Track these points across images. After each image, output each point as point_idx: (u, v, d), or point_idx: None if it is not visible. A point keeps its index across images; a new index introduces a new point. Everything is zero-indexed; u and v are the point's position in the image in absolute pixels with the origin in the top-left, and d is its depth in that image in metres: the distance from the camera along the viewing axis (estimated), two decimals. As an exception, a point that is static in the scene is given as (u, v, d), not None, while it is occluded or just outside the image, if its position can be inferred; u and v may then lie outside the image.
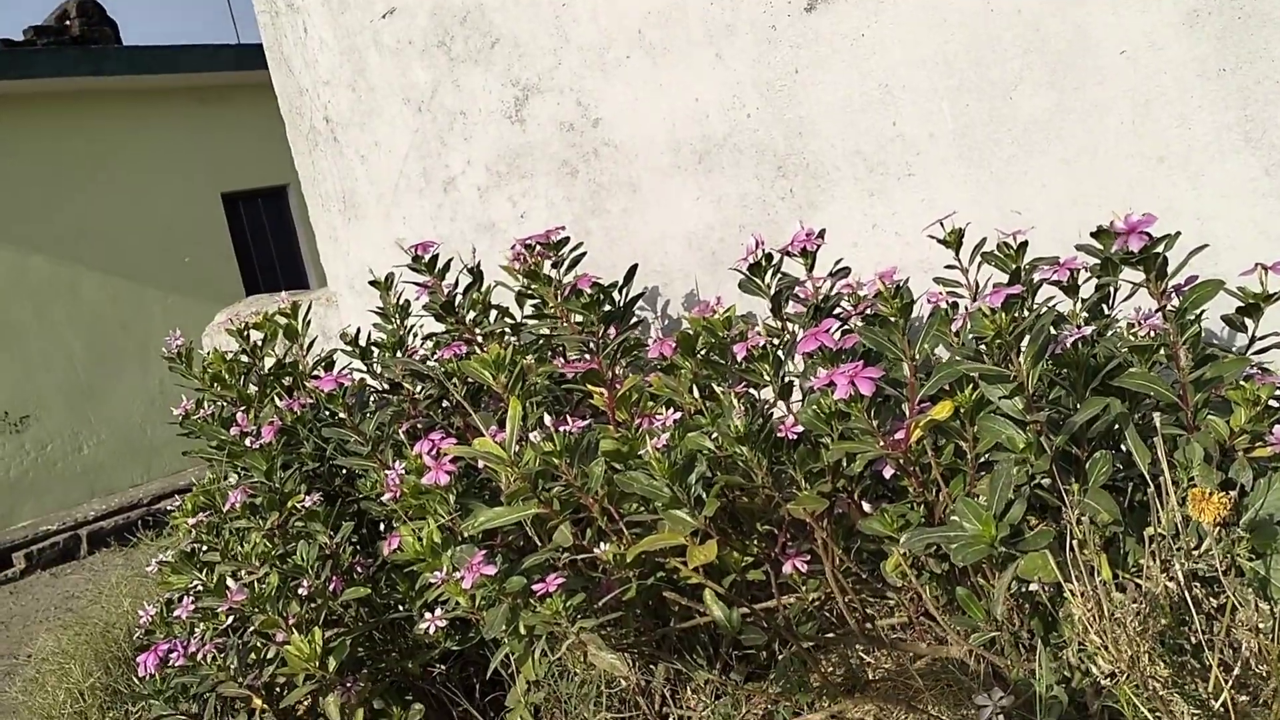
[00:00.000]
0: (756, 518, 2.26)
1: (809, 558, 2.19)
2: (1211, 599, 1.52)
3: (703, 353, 2.35)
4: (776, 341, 2.21)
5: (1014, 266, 2.08)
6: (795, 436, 2.03)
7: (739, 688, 2.23)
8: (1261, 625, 1.41)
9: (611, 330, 2.47)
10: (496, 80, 3.37)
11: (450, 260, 2.97)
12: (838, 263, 2.50)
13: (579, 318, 2.49)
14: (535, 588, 1.99)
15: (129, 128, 9.10)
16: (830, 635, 2.28)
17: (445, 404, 2.82)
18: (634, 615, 2.26)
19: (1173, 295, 1.83)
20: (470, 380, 2.42)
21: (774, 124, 2.92)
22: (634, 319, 2.57)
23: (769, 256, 2.35)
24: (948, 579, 2.09)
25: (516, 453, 2.02)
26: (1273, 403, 1.91)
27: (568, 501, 2.09)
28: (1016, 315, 1.74)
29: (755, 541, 2.28)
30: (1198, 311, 1.80)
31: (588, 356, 2.60)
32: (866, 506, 2.12)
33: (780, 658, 2.21)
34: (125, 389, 8.88)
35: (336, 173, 3.97)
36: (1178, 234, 1.80)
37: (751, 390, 2.29)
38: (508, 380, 2.17)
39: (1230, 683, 1.46)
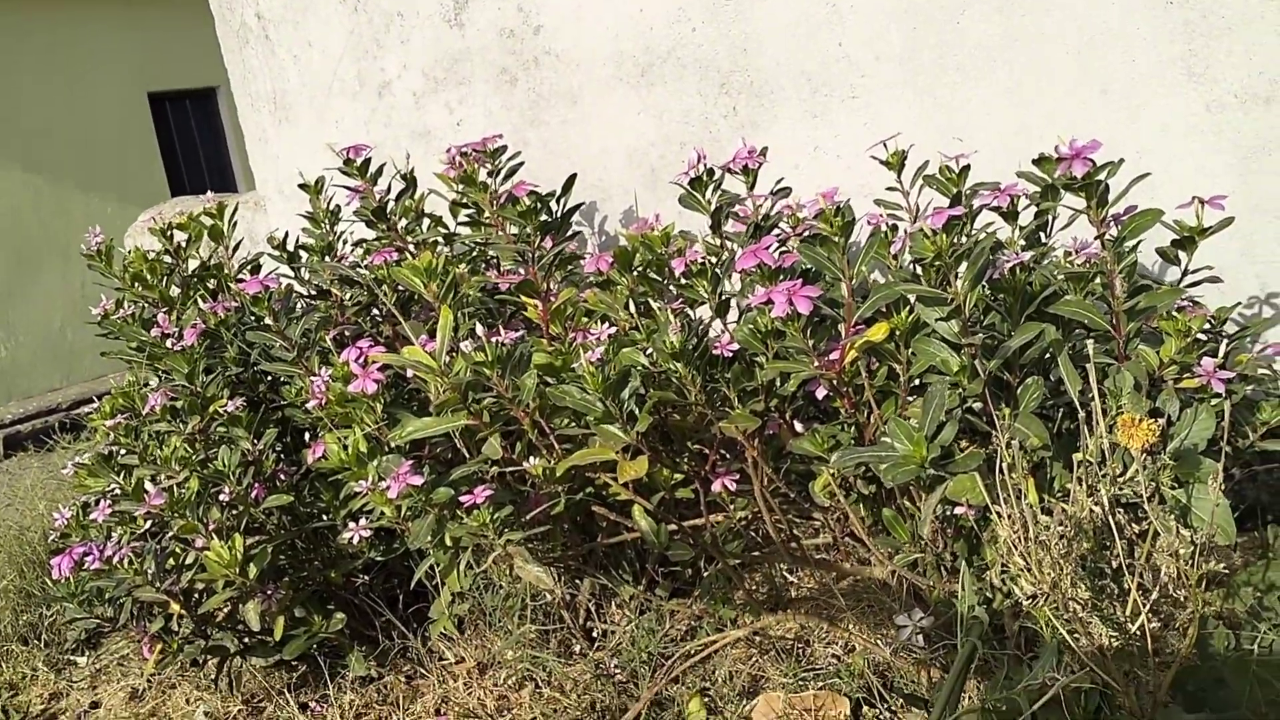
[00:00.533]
0: (688, 436, 2.25)
1: (738, 477, 2.19)
2: (1134, 525, 1.54)
3: (640, 269, 2.32)
4: (715, 260, 2.19)
5: (955, 190, 2.07)
6: (730, 355, 2.01)
7: (664, 603, 2.24)
8: (1181, 551, 1.43)
9: (548, 242, 2.42)
10: (436, -19, 3.26)
11: (383, 166, 2.89)
12: (778, 183, 2.47)
13: (514, 228, 2.44)
14: (463, 500, 1.97)
15: (51, 24, 8.73)
16: (756, 554, 2.29)
17: (374, 312, 2.76)
18: (562, 530, 2.25)
19: (1111, 224, 1.83)
20: (401, 288, 2.37)
21: (719, 40, 2.86)
22: (571, 231, 2.52)
23: (710, 172, 2.31)
24: (874, 501, 2.10)
25: (447, 363, 1.98)
26: (1201, 336, 1.93)
27: (498, 414, 2.05)
28: (956, 239, 1.73)
29: (685, 460, 2.27)
30: (1135, 240, 1.80)
31: (522, 270, 2.55)
32: (799, 427, 2.12)
33: (706, 575, 2.22)
34: (45, 291, 8.62)
35: (267, 72, 3.84)
36: (1121, 161, 1.79)
37: (688, 309, 2.27)
38: (439, 289, 2.12)
39: (1149, 606, 1.48)
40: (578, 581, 2.34)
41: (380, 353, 2.15)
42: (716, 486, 2.18)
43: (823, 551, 2.32)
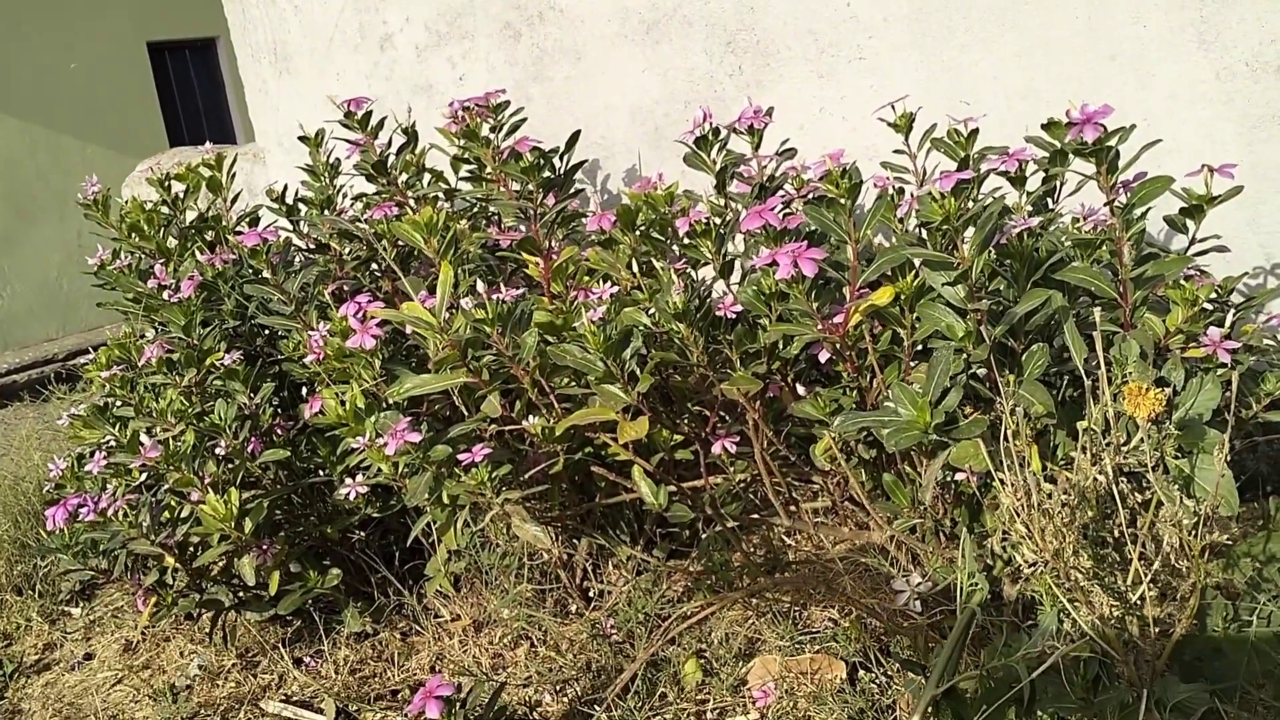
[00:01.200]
0: (688, 397, 2.23)
1: (738, 439, 2.17)
2: (1137, 494, 1.53)
3: (643, 228, 2.29)
4: (719, 220, 2.16)
5: (963, 154, 2.04)
6: (734, 316, 1.99)
7: (661, 564, 2.24)
8: (1184, 521, 1.42)
9: (550, 199, 2.39)
10: (440, -68, 3.21)
11: (384, 120, 2.85)
12: (784, 143, 2.45)
13: (516, 185, 2.41)
14: (461, 457, 1.95)
15: (50, -32, 8.62)
16: (754, 517, 2.28)
17: (373, 267, 2.74)
18: (560, 489, 2.24)
19: (1121, 191, 1.81)
20: (401, 243, 2.34)
21: (726, -3, 2.83)
22: (574, 188, 2.50)
23: (716, 131, 2.29)
24: (874, 466, 2.09)
25: (447, 319, 1.96)
26: (1207, 305, 1.92)
27: (498, 372, 2.04)
28: (964, 203, 1.71)
29: (685, 421, 2.26)
30: (1144, 208, 1.78)
31: (523, 228, 2.53)
32: (800, 390, 2.10)
33: (704, 536, 2.22)
34: (41, 240, 8.56)
35: (268, 22, 3.79)
36: (1132, 127, 1.76)
37: (690, 269, 2.25)
38: (440, 244, 2.10)
39: (1150, 575, 1.48)
40: (575, 541, 2.33)
41: (379, 308, 2.13)
42: (716, 448, 2.17)
43: (821, 515, 2.31)
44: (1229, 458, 1.49)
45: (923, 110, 2.32)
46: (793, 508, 2.23)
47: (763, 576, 2.22)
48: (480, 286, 1.95)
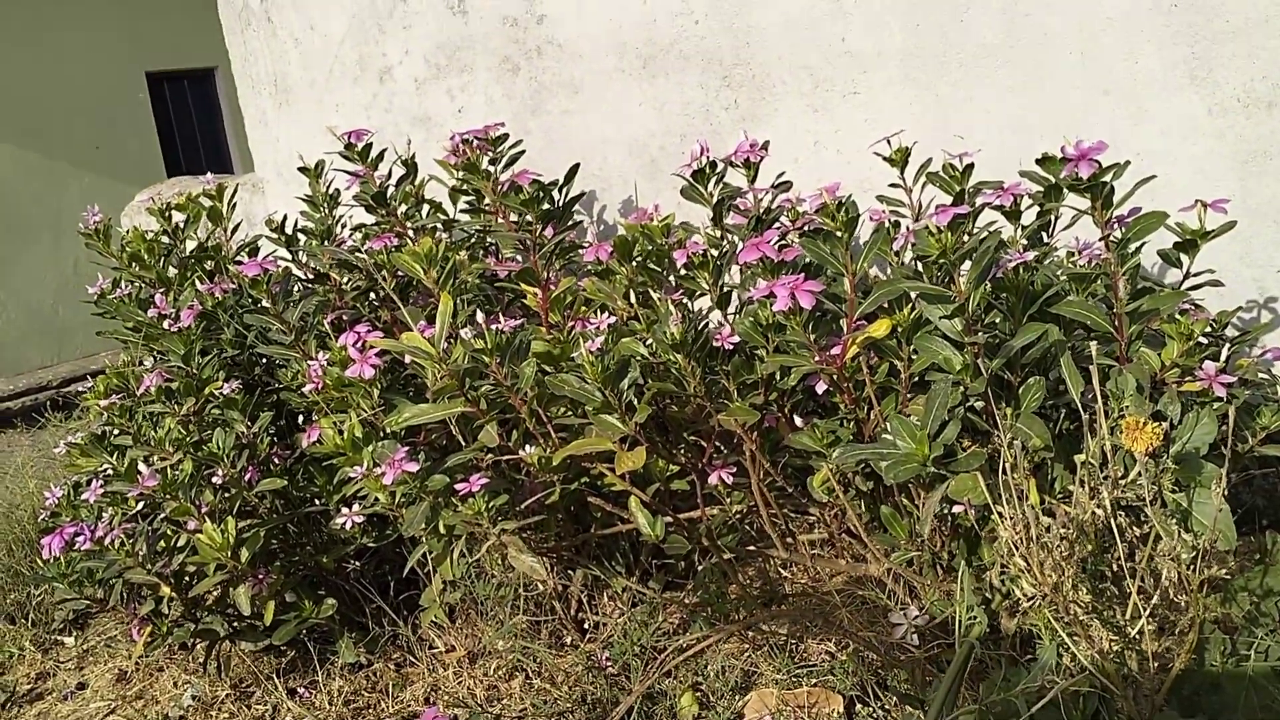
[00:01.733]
0: (685, 428, 2.24)
1: (735, 470, 2.18)
2: (1135, 528, 1.54)
3: (639, 259, 2.31)
4: (716, 251, 2.18)
5: (959, 188, 2.06)
6: (731, 347, 2.00)
7: (657, 596, 2.23)
8: (1183, 555, 1.43)
9: (549, 230, 2.41)
10: (440, -34, 3.24)
11: (384, 151, 2.87)
12: (779, 176, 2.46)
13: (515, 216, 2.42)
14: (458, 487, 1.96)
15: (54, -1, 8.67)
16: (750, 548, 2.28)
17: (372, 297, 2.74)
18: (556, 520, 2.24)
19: (1116, 226, 1.82)
20: (400, 273, 2.35)
21: (722, 32, 2.85)
22: (572, 220, 2.51)
23: (713, 164, 2.31)
24: (872, 498, 2.10)
25: (445, 349, 1.97)
26: (1202, 340, 1.93)
27: (495, 401, 2.04)
28: (960, 237, 1.72)
29: (683, 451, 2.26)
30: (1139, 243, 1.80)
31: (520, 258, 2.54)
32: (798, 421, 2.11)
33: (700, 568, 2.22)
34: (37, 267, 8.57)
35: (269, 55, 3.82)
36: (1127, 163, 1.78)
37: (687, 300, 2.26)
38: (439, 275, 2.11)
39: (1149, 609, 1.48)
40: (570, 572, 2.33)
41: (378, 338, 2.14)
42: (713, 479, 2.17)
43: (818, 547, 2.31)
44: (1225, 491, 1.50)
45: (918, 144, 2.35)
46: (789, 539, 2.23)
47: (759, 609, 2.21)
48: (479, 316, 1.96)
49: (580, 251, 2.45)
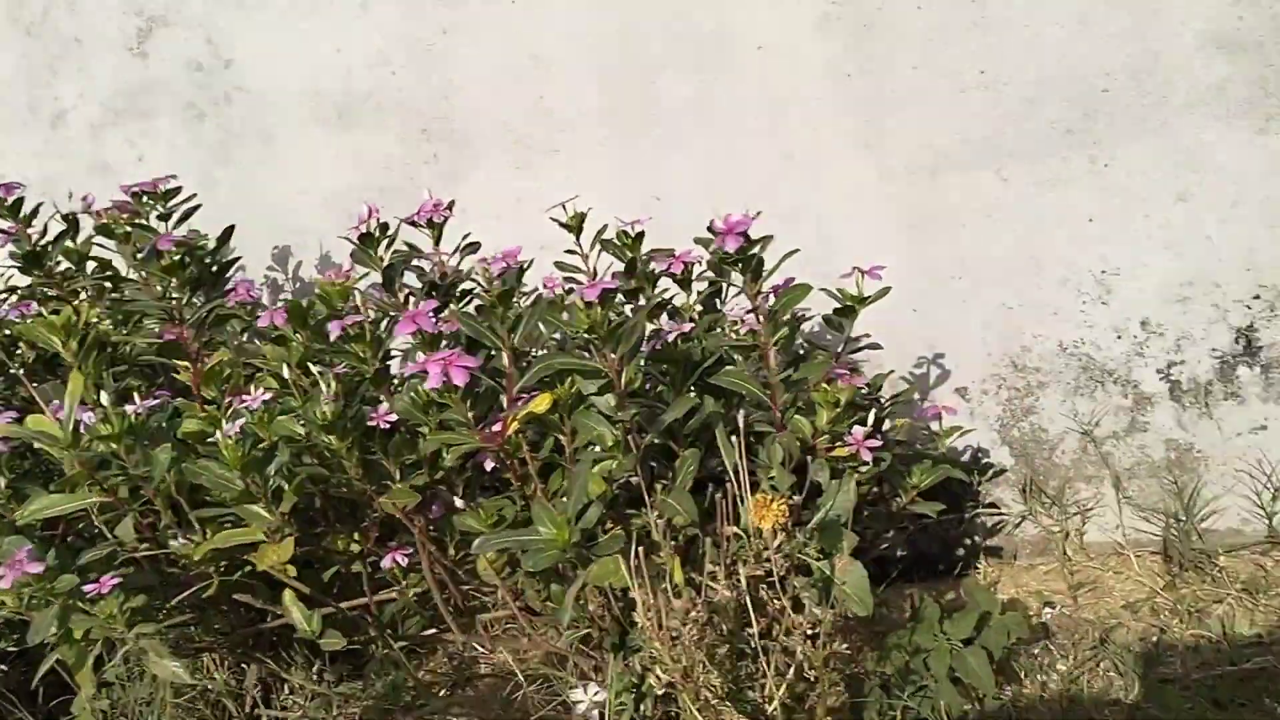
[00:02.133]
0: (360, 507, 2.13)
1: (411, 550, 2.08)
2: (778, 600, 1.53)
3: (313, 325, 2.18)
4: (386, 319, 2.08)
5: (630, 256, 2.05)
6: (389, 426, 1.90)
7: (332, 690, 2.10)
8: (810, 630, 1.42)
9: (200, 297, 2.25)
10: (118, 7, 3.03)
11: (40, 205, 2.63)
12: (466, 237, 2.39)
13: (159, 285, 2.25)
14: (87, 588, 1.78)
15: None
16: (432, 632, 2.19)
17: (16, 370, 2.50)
18: (220, 613, 2.08)
19: (769, 296, 1.84)
20: (39, 345, 2.15)
21: (420, 85, 2.77)
22: (229, 285, 2.35)
23: (384, 227, 2.21)
24: (545, 574, 2.03)
25: (78, 434, 1.80)
26: (862, 401, 1.97)
27: (136, 490, 1.88)
28: (611, 311, 1.69)
29: (359, 533, 2.15)
30: (790, 313, 1.81)
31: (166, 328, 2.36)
32: (459, 502, 2.03)
33: (371, 660, 2.10)
34: None
35: (-68, 96, 3.50)
36: (769, 237, 1.79)
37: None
38: (79, 347, 1.94)
39: (783, 688, 1.47)
40: (244, 667, 2.17)
41: (8, 421, 1.94)
42: (386, 562, 2.07)
43: (502, 625, 2.24)
44: (882, 549, 1.51)
45: (619, 205, 2.30)
46: (464, 620, 2.14)
47: (444, 695, 2.12)
48: (106, 399, 1.80)
49: (245, 318, 2.31)
